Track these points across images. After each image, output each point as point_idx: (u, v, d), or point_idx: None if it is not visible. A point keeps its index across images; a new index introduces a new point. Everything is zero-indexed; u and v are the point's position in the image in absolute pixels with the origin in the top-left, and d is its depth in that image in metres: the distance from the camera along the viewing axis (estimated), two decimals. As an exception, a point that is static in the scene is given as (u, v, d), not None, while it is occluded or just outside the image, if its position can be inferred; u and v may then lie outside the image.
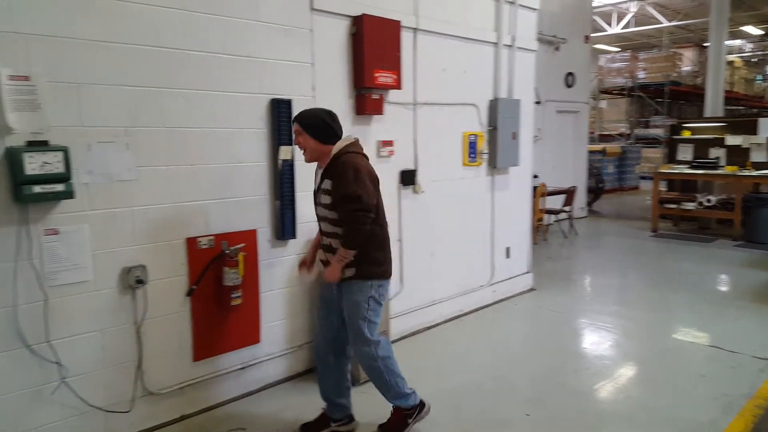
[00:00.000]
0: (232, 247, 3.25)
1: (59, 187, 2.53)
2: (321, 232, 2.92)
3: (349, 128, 3.85)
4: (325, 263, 2.90)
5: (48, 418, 2.70)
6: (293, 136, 2.86)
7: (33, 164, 2.43)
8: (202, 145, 3.14)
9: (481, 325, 4.81)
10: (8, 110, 2.45)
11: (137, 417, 2.99)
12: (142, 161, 2.91)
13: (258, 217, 3.44)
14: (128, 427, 2.97)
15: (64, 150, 2.54)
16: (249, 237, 3.39)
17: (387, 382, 2.93)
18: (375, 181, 2.77)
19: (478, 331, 4.68)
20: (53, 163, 2.49)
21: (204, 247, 3.20)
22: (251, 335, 3.47)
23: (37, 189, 2.46)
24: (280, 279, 3.58)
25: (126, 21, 2.80)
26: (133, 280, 2.91)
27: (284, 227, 3.51)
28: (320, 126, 2.75)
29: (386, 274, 2.90)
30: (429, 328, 4.61)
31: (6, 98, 2.44)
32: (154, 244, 3.01)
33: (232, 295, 3.26)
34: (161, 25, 2.92)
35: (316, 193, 2.85)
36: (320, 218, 2.87)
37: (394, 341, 3.95)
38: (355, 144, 2.83)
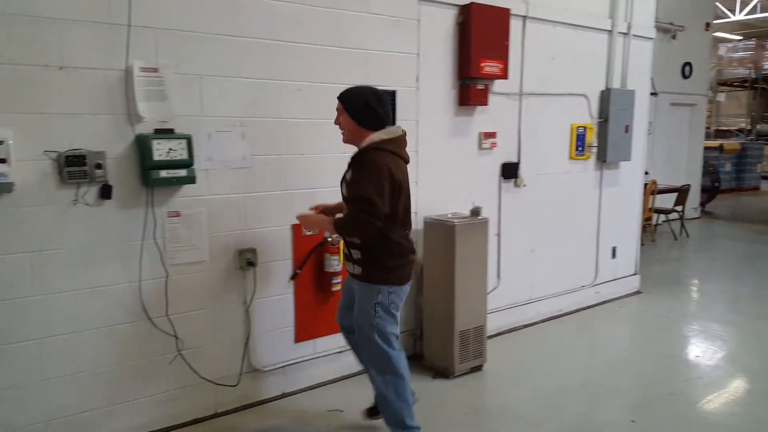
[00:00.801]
0: (335, 235, 3.32)
1: (182, 173, 2.70)
2: None
3: (451, 119, 3.82)
4: (348, 258, 2.71)
5: (165, 386, 2.92)
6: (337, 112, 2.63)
7: (160, 150, 2.62)
8: (310, 135, 3.23)
9: (582, 326, 4.61)
10: (139, 100, 2.65)
11: (243, 391, 3.16)
12: (255, 150, 3.05)
13: (360, 207, 3.49)
14: (235, 400, 3.15)
15: (188, 138, 2.72)
16: (350, 225, 3.46)
17: (388, 400, 2.69)
18: (399, 188, 2.51)
19: (580, 332, 4.50)
20: (178, 149, 2.67)
21: (308, 233, 3.30)
22: (349, 321, 3.55)
23: (164, 174, 2.64)
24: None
25: (245, 15, 2.93)
26: (244, 262, 3.07)
27: (384, 217, 3.54)
28: (361, 107, 2.52)
29: (397, 281, 2.63)
30: (526, 326, 4.49)
31: (138, 89, 2.64)
32: (264, 229, 3.15)
33: (333, 281, 3.35)
34: (277, 19, 3.03)
35: (342, 180, 2.67)
36: (343, 199, 2.69)
37: (489, 337, 3.88)
38: (396, 141, 2.58)
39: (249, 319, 3.14)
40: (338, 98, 2.60)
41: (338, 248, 3.30)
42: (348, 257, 2.70)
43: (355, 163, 2.57)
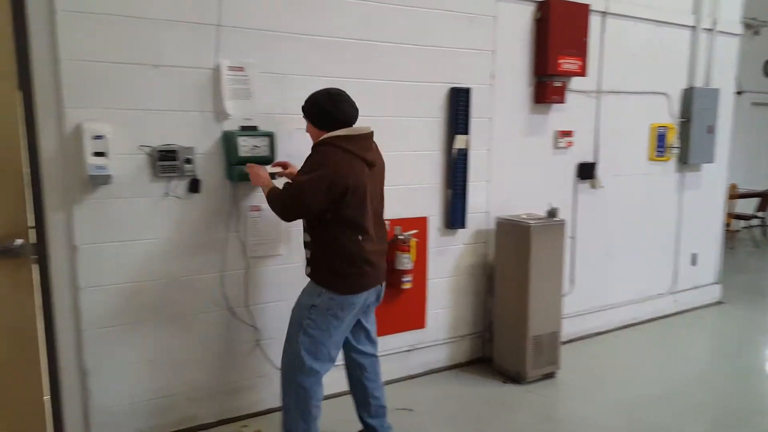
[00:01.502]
0: (406, 233, 3.34)
1: (265, 168, 2.79)
2: None
3: (527, 116, 3.76)
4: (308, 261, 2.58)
5: (243, 375, 3.02)
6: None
7: (245, 146, 2.71)
8: (383, 133, 3.24)
9: (659, 335, 4.42)
10: (226, 98, 2.75)
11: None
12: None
13: (430, 205, 3.49)
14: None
15: (271, 135, 2.81)
16: (420, 224, 3.46)
17: (288, 411, 2.54)
18: (344, 189, 2.32)
19: (656, 342, 4.31)
20: (261, 146, 2.76)
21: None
22: (417, 320, 3.55)
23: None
24: (447, 267, 3.61)
25: (326, 15, 2.99)
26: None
27: (454, 216, 3.52)
28: (314, 110, 2.47)
29: (339, 288, 2.45)
30: (599, 333, 4.35)
31: (225, 87, 2.74)
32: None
33: (403, 279, 3.36)
34: (356, 19, 3.07)
35: None
36: None
37: (562, 343, 3.79)
38: (352, 139, 2.41)
39: (322, 314, 3.19)
40: (302, 108, 2.53)
41: (409, 246, 3.31)
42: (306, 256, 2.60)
43: (310, 153, 2.46)
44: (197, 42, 2.68)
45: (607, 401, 3.28)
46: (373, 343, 2.81)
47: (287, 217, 2.50)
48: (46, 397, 2.63)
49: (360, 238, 2.45)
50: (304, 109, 2.51)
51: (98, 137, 2.47)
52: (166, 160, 2.65)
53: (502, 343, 3.62)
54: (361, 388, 2.80)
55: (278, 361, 3.05)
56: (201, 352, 2.90)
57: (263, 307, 3.02)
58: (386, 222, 2.69)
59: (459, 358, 3.74)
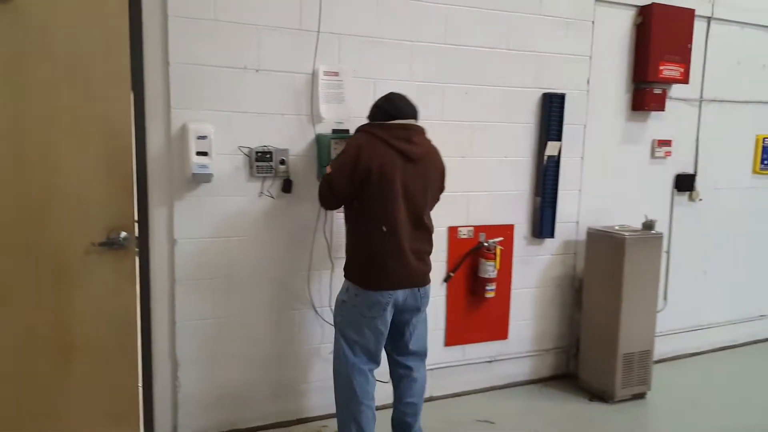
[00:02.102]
0: (491, 240, 3.27)
1: (353, 170, 2.82)
2: None
3: (623, 124, 3.60)
4: None
5: (322, 374, 3.03)
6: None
7: (337, 149, 2.75)
8: (473, 137, 3.22)
9: (759, 360, 4.10)
10: (321, 102, 2.81)
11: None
12: (419, 151, 3.09)
13: (516, 213, 3.41)
14: (386, 397, 3.10)
15: (361, 138, 2.83)
16: (506, 231, 3.38)
17: (339, 408, 2.59)
18: (367, 172, 2.32)
19: (756, 366, 4.00)
20: (353, 148, 2.79)
21: (463, 237, 3.28)
22: (500, 330, 3.47)
23: (339, 171, 2.77)
24: (532, 278, 3.51)
25: (420, 20, 2.99)
26: (402, 261, 3.12)
27: (542, 225, 3.41)
28: (371, 109, 2.53)
29: (361, 282, 2.44)
30: (693, 354, 4.09)
31: (320, 91, 2.80)
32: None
33: (487, 288, 3.29)
34: (450, 23, 3.05)
35: None
36: None
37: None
38: (390, 127, 2.41)
39: (404, 318, 3.17)
40: None
41: (495, 254, 3.24)
42: None
43: None
44: (297, 47, 2.75)
45: (701, 427, 3.07)
46: (413, 356, 2.68)
47: (324, 204, 2.55)
48: (141, 386, 2.78)
49: (384, 229, 2.37)
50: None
51: (202, 137, 2.58)
52: (262, 161, 2.73)
53: (590, 360, 3.47)
54: (397, 392, 2.75)
55: (359, 364, 3.09)
56: (287, 349, 2.96)
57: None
58: (431, 225, 2.57)
59: (542, 372, 3.62)
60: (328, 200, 2.49)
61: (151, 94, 2.57)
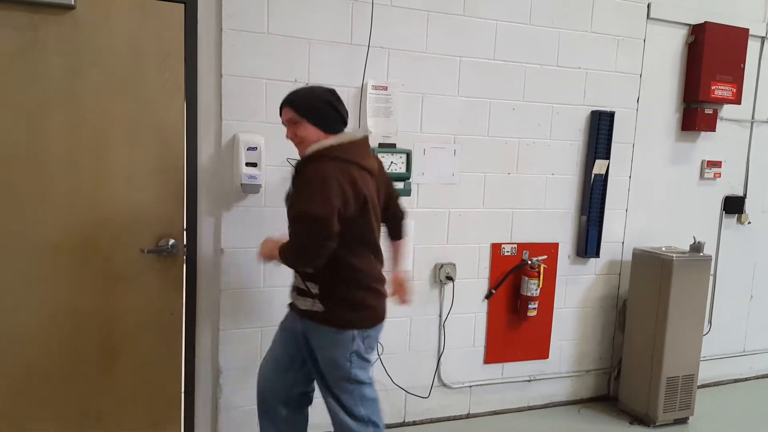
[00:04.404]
0: (535, 258, 3.23)
1: (400, 185, 2.82)
2: None
3: (672, 144, 3.53)
4: (291, 306, 2.23)
5: (361, 387, 3.04)
6: (286, 125, 2.10)
7: (384, 163, 2.74)
8: (518, 154, 3.19)
9: (808, 391, 3.96)
10: (369, 115, 2.81)
11: (433, 405, 3.18)
12: (464, 167, 3.08)
13: (561, 231, 3.36)
14: (423, 411, 3.18)
15: (408, 153, 2.83)
16: (550, 250, 3.34)
17: None
18: (364, 201, 2.00)
19: (805, 398, 3.86)
20: (398, 163, 2.80)
21: (506, 254, 3.25)
22: (540, 349, 3.41)
23: (385, 185, 2.77)
24: (575, 297, 3.45)
25: (469, 36, 2.98)
26: (444, 276, 3.10)
27: (587, 244, 3.36)
28: (323, 110, 2.02)
29: (371, 320, 2.12)
30: (737, 381, 3.97)
31: (369, 105, 2.80)
32: (464, 245, 3.15)
33: (529, 306, 3.24)
34: (499, 39, 3.04)
35: (286, 198, 2.18)
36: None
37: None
38: (350, 147, 2.03)
39: (443, 334, 3.15)
40: (286, 105, 2.07)
41: (538, 272, 3.20)
42: (302, 291, 2.12)
43: (297, 173, 2.03)
44: (346, 61, 2.76)
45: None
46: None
47: (314, 258, 1.95)
48: (184, 392, 2.81)
49: (372, 257, 2.14)
50: (303, 110, 2.01)
51: (252, 148, 2.60)
52: (309, 173, 2.74)
53: (632, 382, 3.39)
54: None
55: (398, 378, 3.07)
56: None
57: (388, 322, 3.01)
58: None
59: (582, 393, 3.55)
60: (319, 246, 1.92)
61: (204, 105, 2.61)
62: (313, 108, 2.02)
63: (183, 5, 2.52)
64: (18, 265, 2.42)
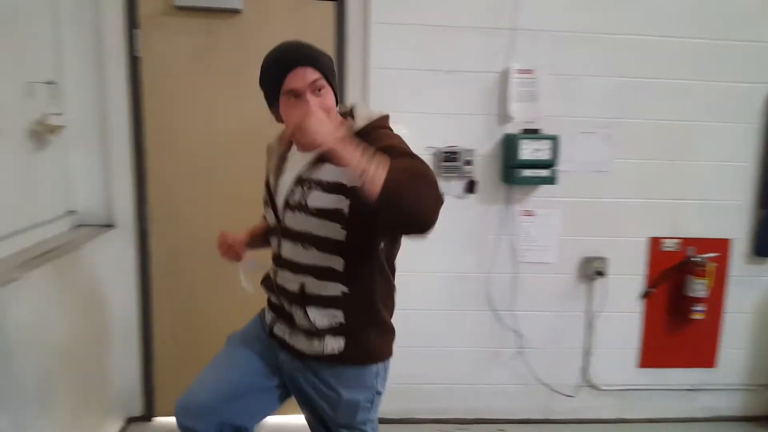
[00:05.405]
0: (702, 255, 2.90)
1: (544, 173, 2.71)
2: (284, 263, 1.56)
3: None
4: (274, 320, 1.67)
5: (500, 378, 2.99)
6: (300, 92, 1.43)
7: (526, 150, 2.67)
8: (681, 140, 2.88)
9: None
10: (512, 101, 2.75)
11: (578, 404, 3.02)
12: (617, 153, 2.86)
13: (734, 226, 2.96)
14: (568, 411, 3.03)
15: (554, 138, 2.71)
16: (720, 247, 2.96)
17: None
18: None
19: None
20: (543, 150, 2.69)
21: (668, 249, 2.95)
22: (706, 357, 3.05)
23: (527, 173, 2.69)
24: (750, 301, 3.02)
25: (620, 11, 2.76)
26: (592, 271, 2.91)
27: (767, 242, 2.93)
28: (335, 74, 1.53)
29: (390, 351, 1.66)
30: None
31: (512, 90, 2.74)
32: (616, 238, 2.93)
33: (694, 308, 2.92)
34: (656, 12, 2.77)
35: (278, 188, 1.57)
36: (290, 235, 1.53)
37: None
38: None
39: (591, 332, 2.97)
40: (311, 64, 1.43)
41: (706, 271, 2.86)
42: (307, 331, 1.55)
43: (366, 138, 1.40)
44: (490, 46, 2.73)
45: None
46: None
47: (438, 205, 1.24)
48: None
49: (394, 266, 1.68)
50: (322, 63, 1.45)
51: (394, 138, 2.69)
52: (449, 161, 2.76)
53: (823, 405, 2.90)
54: None
55: (540, 373, 2.96)
56: (465, 348, 2.96)
57: (529, 315, 2.95)
58: None
59: (754, 410, 3.11)
60: (440, 202, 1.27)
61: (352, 98, 2.74)
62: (333, 70, 1.50)
63: (335, 2, 2.68)
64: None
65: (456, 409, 3.00)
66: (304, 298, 1.51)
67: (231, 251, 1.70)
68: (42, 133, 2.24)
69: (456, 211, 2.83)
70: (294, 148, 1.56)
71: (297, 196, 1.48)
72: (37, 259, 2.00)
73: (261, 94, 1.55)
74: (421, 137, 2.76)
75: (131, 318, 2.78)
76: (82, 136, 2.58)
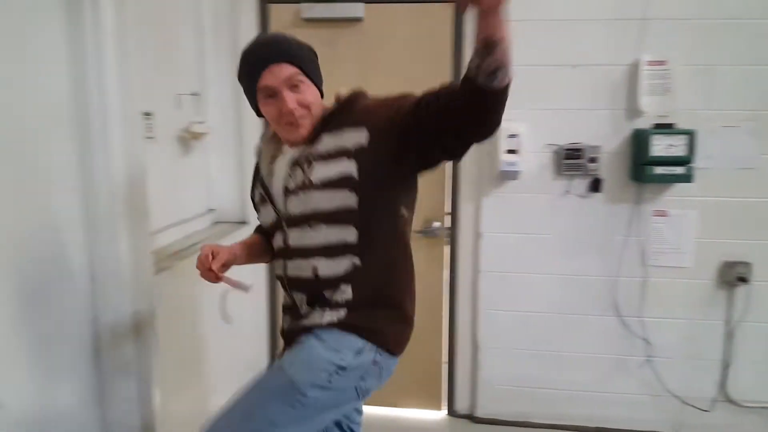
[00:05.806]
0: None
1: (679, 170, 2.52)
2: (293, 252, 1.46)
3: None
4: (286, 333, 1.54)
5: (625, 387, 2.84)
6: (277, 89, 1.40)
7: (658, 146, 2.50)
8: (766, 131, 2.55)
9: None
10: (642, 94, 2.58)
11: (716, 421, 2.78)
12: (765, 149, 2.59)
13: None
14: (701, 427, 2.80)
15: (690, 133, 2.51)
16: None
17: None
18: None
19: None
20: (677, 146, 2.50)
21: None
22: None
23: (659, 170, 2.52)
24: None
25: (775, -10, 2.49)
26: (734, 276, 2.66)
27: None
28: (318, 66, 1.50)
29: (401, 342, 1.49)
30: None
31: (642, 83, 2.57)
32: (762, 241, 2.66)
33: None
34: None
35: (273, 183, 1.50)
36: (295, 221, 1.43)
37: None
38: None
39: (731, 342, 2.72)
40: (286, 60, 1.40)
41: None
42: (324, 302, 1.44)
43: (337, 119, 1.45)
44: (616, 38, 2.59)
45: None
46: None
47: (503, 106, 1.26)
48: (444, 362, 3.04)
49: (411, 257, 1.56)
50: (308, 65, 1.46)
51: (512, 136, 2.65)
52: (571, 159, 2.66)
53: None
54: None
55: (672, 385, 2.77)
56: (586, 354, 2.84)
57: (659, 322, 2.76)
58: None
59: None
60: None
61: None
62: (313, 62, 1.49)
63: (453, 4, 2.70)
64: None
65: (576, 415, 2.90)
66: (318, 283, 1.43)
67: (210, 274, 1.46)
68: (188, 139, 2.48)
69: (579, 210, 2.73)
70: (284, 147, 1.51)
71: (298, 178, 1.42)
72: (185, 251, 2.23)
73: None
74: (542, 134, 2.69)
75: (261, 308, 3.01)
76: (220, 141, 2.82)
